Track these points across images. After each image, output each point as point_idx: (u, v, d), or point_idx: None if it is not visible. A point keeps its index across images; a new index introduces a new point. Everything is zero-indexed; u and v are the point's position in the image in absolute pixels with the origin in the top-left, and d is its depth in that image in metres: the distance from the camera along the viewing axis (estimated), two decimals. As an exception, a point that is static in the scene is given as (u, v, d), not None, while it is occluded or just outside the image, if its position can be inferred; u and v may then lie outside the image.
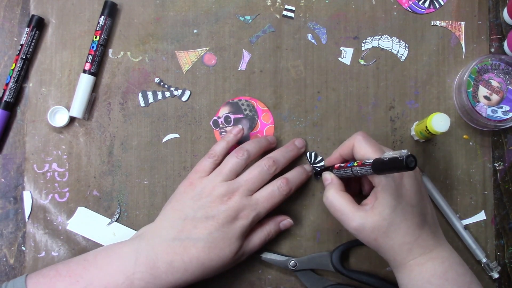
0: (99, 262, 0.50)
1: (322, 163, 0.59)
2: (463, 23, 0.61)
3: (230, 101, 0.60)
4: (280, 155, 0.55)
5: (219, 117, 0.60)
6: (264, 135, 0.59)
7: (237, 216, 0.51)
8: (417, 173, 0.50)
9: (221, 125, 0.60)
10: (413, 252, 0.48)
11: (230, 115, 0.60)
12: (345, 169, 0.51)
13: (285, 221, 0.56)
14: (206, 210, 0.51)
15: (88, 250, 0.57)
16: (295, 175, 0.55)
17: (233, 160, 0.53)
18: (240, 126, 0.57)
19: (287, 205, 0.59)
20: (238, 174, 0.53)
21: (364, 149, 0.49)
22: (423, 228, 0.48)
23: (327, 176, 0.53)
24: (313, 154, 0.59)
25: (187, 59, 0.60)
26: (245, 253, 0.53)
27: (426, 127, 0.54)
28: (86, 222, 0.59)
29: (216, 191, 0.51)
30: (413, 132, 0.59)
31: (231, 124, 0.60)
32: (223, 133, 0.59)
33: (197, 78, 0.60)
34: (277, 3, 0.61)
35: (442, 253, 0.49)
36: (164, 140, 0.60)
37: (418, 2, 0.61)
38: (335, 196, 0.50)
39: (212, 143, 0.59)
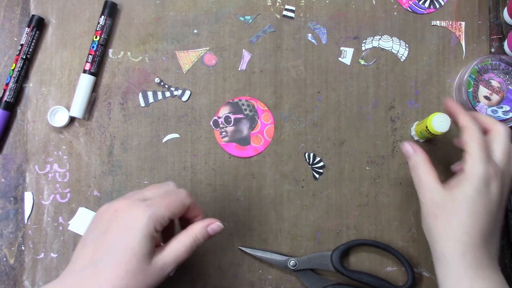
0: None
1: (321, 164, 0.59)
2: (463, 23, 0.61)
3: (230, 101, 0.60)
4: (193, 200, 0.49)
5: (219, 117, 0.60)
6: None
7: (130, 220, 0.44)
8: (504, 191, 0.48)
9: (221, 125, 0.60)
10: (465, 258, 0.45)
11: (230, 115, 0.60)
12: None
13: (213, 225, 0.48)
14: (101, 226, 0.45)
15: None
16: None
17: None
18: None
19: (286, 205, 0.59)
20: None
21: (474, 136, 0.48)
22: (485, 242, 0.46)
23: (408, 147, 0.52)
24: (311, 154, 0.59)
25: (187, 59, 0.60)
26: (167, 264, 0.45)
27: (427, 127, 0.54)
28: (87, 223, 0.59)
29: (111, 205, 0.46)
30: (413, 132, 0.59)
31: (231, 124, 0.60)
32: (223, 133, 0.59)
33: (197, 78, 0.60)
34: (277, 3, 0.61)
35: (496, 279, 0.46)
36: (164, 140, 0.60)
37: (418, 2, 0.61)
38: (422, 166, 0.50)
39: (212, 143, 0.59)
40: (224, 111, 0.60)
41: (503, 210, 0.49)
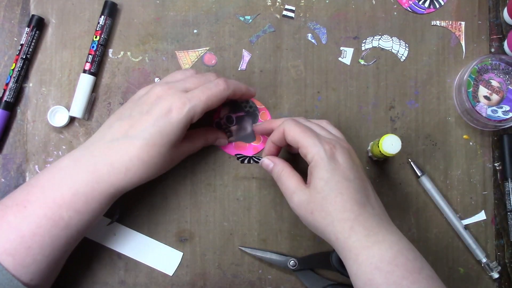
0: (41, 182, 0.48)
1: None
2: (463, 23, 0.61)
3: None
4: (235, 83, 0.54)
5: (220, 118, 0.60)
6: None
7: (171, 109, 0.49)
8: (352, 153, 0.50)
9: (224, 126, 0.60)
10: (356, 231, 0.46)
11: (231, 114, 0.60)
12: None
13: (221, 140, 0.58)
14: (142, 107, 0.50)
15: (86, 249, 0.58)
16: (234, 81, 0.54)
17: (178, 73, 0.54)
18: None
19: (286, 205, 0.59)
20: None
21: (293, 131, 0.50)
22: (364, 207, 0.47)
23: (267, 161, 0.53)
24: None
25: (187, 59, 0.60)
26: (186, 152, 0.54)
27: (378, 146, 0.54)
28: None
29: (154, 89, 0.51)
30: (370, 154, 0.59)
31: (233, 124, 0.59)
32: (228, 133, 0.59)
33: (197, 78, 0.60)
34: (277, 3, 0.61)
35: (391, 238, 0.47)
36: (164, 140, 0.60)
37: (418, 2, 0.61)
38: (284, 174, 0.51)
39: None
40: (224, 111, 0.60)
41: (361, 169, 0.50)
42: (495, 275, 0.58)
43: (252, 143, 0.59)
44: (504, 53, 0.61)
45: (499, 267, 0.58)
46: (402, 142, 0.53)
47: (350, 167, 0.48)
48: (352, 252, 0.46)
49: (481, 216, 0.59)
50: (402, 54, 0.61)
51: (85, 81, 0.58)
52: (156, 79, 0.60)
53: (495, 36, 0.61)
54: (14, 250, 0.46)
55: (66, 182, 0.48)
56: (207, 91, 0.51)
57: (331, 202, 0.47)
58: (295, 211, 0.50)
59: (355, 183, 0.48)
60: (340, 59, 0.61)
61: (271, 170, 0.53)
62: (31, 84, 0.60)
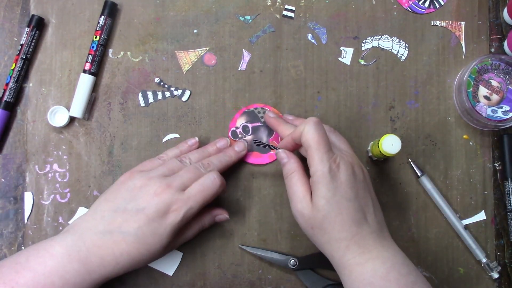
0: (32, 264, 0.48)
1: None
2: (463, 23, 0.61)
3: (246, 110, 0.60)
4: (217, 160, 0.55)
5: (237, 127, 0.60)
6: (213, 144, 0.58)
7: (168, 211, 0.50)
8: (356, 167, 0.50)
9: (240, 135, 0.59)
10: (351, 250, 0.48)
11: (248, 124, 0.59)
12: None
13: (221, 216, 0.57)
14: (138, 202, 0.50)
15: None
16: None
17: (175, 162, 0.54)
18: (196, 139, 0.58)
19: (286, 205, 0.59)
20: None
21: (311, 137, 0.49)
22: (361, 226, 0.48)
23: (283, 155, 0.53)
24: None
25: (187, 59, 0.60)
26: (177, 245, 0.54)
27: (378, 146, 0.54)
28: (86, 222, 0.58)
29: (150, 184, 0.51)
30: (370, 154, 0.59)
31: (249, 133, 0.59)
32: (242, 141, 0.59)
33: (197, 78, 0.60)
34: (277, 3, 0.61)
35: (384, 253, 0.48)
36: (164, 140, 0.60)
37: (418, 2, 0.61)
38: (294, 176, 0.51)
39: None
40: (241, 121, 0.60)
41: (363, 183, 0.50)
42: (495, 275, 0.58)
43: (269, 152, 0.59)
44: (504, 53, 0.61)
45: (499, 267, 0.58)
46: (402, 142, 0.53)
47: (352, 186, 0.49)
48: (346, 269, 0.48)
49: (481, 216, 0.59)
50: (402, 54, 0.61)
51: (85, 81, 0.58)
52: (156, 79, 0.60)
53: (495, 36, 0.61)
54: None
55: (58, 270, 0.48)
56: (204, 192, 0.51)
57: (330, 222, 0.48)
58: (295, 217, 0.51)
59: (355, 202, 0.48)
60: (340, 59, 0.61)
61: (283, 165, 0.52)
62: (31, 84, 0.60)
